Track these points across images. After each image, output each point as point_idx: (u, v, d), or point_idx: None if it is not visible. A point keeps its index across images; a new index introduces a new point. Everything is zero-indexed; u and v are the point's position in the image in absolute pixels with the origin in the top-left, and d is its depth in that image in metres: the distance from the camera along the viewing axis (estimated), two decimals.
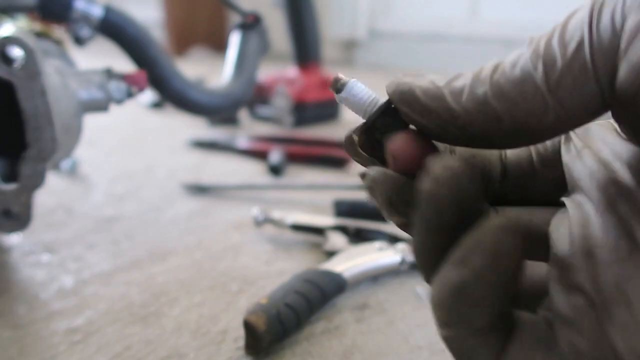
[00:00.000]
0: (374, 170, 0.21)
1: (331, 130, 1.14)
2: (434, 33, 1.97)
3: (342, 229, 0.59)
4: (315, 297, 0.44)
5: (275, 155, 0.87)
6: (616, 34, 0.14)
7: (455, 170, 0.15)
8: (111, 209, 0.71)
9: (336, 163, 0.87)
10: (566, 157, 0.20)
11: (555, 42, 0.16)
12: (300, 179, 0.84)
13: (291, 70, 1.20)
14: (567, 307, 0.16)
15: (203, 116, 0.79)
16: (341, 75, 0.22)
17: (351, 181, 0.79)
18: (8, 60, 0.41)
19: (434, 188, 0.15)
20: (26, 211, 0.44)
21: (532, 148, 0.22)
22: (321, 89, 1.18)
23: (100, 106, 0.57)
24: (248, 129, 1.17)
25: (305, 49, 1.19)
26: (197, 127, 1.16)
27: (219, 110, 0.75)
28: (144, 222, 0.66)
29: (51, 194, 0.75)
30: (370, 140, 0.21)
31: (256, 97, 1.20)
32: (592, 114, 0.16)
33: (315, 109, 1.17)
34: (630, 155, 0.16)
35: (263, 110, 1.21)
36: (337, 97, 0.22)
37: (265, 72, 1.19)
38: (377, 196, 0.21)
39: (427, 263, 0.18)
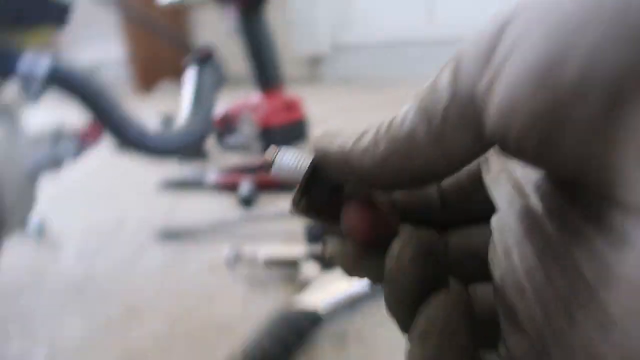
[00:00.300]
0: (332, 245, 0.21)
1: None
2: (394, 40, 2.00)
3: (316, 257, 0.58)
4: (292, 340, 0.43)
5: (245, 186, 0.86)
6: (475, 83, 0.15)
7: (414, 251, 0.17)
8: (82, 269, 0.69)
9: None
10: (486, 178, 0.20)
11: (431, 94, 0.16)
12: (272, 207, 0.83)
13: (254, 96, 1.20)
14: (516, 348, 0.16)
15: (165, 158, 0.79)
16: (270, 153, 0.22)
17: None
18: None
19: (394, 270, 0.17)
20: None
21: (464, 171, 0.22)
22: (286, 111, 1.18)
23: (52, 166, 0.57)
24: (218, 161, 1.16)
25: (266, 73, 1.19)
26: (167, 165, 1.15)
27: (179, 151, 0.74)
28: (116, 279, 0.65)
29: (20, 258, 0.74)
30: (312, 203, 0.21)
31: (222, 127, 1.19)
32: (478, 155, 0.16)
33: (282, 132, 1.17)
34: (538, 178, 0.16)
35: (231, 139, 1.20)
36: (271, 173, 0.22)
37: (229, 101, 1.19)
38: (340, 264, 0.21)
39: (401, 321, 0.19)
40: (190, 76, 0.85)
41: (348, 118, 1.53)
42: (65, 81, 0.68)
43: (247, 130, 1.17)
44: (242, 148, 1.21)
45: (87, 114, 0.70)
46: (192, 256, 0.69)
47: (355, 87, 2.04)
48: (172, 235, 0.76)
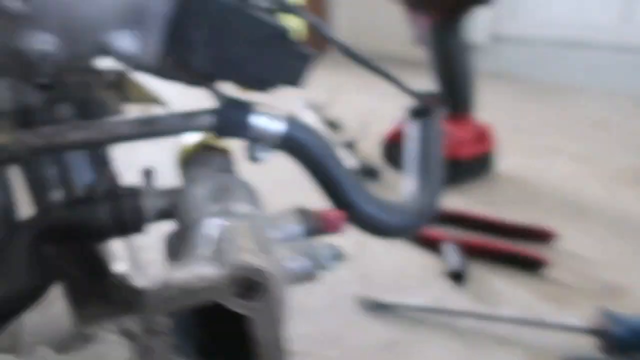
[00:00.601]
0: None
1: (500, 203, 1.01)
2: (572, 39, 1.74)
3: None
4: None
5: (453, 254, 0.76)
6: None
7: None
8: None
9: (529, 265, 0.75)
10: None
11: None
12: (493, 298, 0.73)
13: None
14: None
15: (392, 237, 0.71)
16: None
17: (573, 317, 0.67)
18: (247, 293, 0.33)
19: None
20: None
21: None
22: (476, 142, 1.05)
23: (306, 278, 0.49)
24: (394, 188, 1.07)
25: (457, 95, 1.06)
26: None
27: (410, 231, 0.65)
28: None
29: None
30: None
31: (392, 143, 1.09)
32: None
33: (470, 165, 1.05)
34: None
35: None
36: None
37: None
38: None
39: None
40: (413, 133, 0.74)
41: (520, 138, 1.35)
42: (301, 143, 0.61)
43: None
44: None
45: (315, 182, 0.62)
46: (416, 348, 0.61)
47: (513, 83, 1.83)
48: (380, 307, 0.69)
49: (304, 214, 0.49)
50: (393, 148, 1.12)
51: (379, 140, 1.17)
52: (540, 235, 0.83)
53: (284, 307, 0.34)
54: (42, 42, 0.40)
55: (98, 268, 0.56)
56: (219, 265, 0.32)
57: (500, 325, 0.64)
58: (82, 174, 0.72)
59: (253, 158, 0.66)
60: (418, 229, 0.67)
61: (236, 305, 0.32)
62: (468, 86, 1.06)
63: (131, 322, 0.51)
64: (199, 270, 0.33)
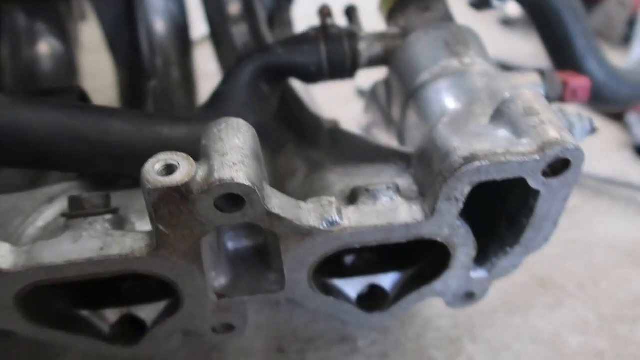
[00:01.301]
0: None
1: None
2: None
3: None
4: None
5: (639, 126, 0.70)
6: None
7: None
8: None
9: None
10: None
11: None
12: None
13: None
14: None
15: (614, 107, 0.63)
16: None
17: None
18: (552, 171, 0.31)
19: None
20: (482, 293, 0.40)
21: None
22: None
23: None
24: None
25: None
26: None
27: (634, 103, 0.58)
28: None
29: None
30: None
31: None
32: None
33: None
34: None
35: None
36: None
37: None
38: None
39: None
40: None
41: None
42: None
43: None
44: None
45: (543, 40, 0.54)
46: None
47: None
48: None
49: (548, 76, 0.44)
50: None
51: None
52: None
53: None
54: None
55: (298, 110, 0.55)
56: (522, 138, 0.30)
57: None
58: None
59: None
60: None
61: (536, 182, 0.31)
62: None
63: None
64: (506, 143, 0.31)
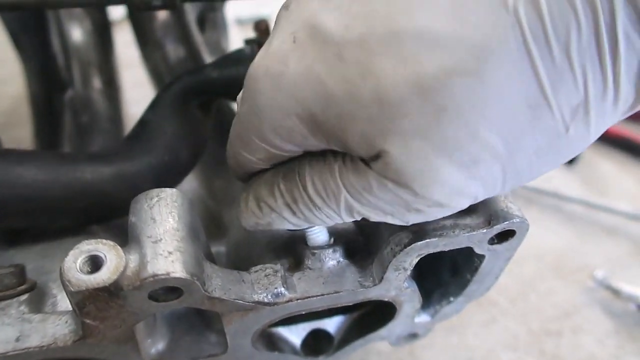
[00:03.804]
0: None
1: None
2: None
3: None
4: None
5: None
6: None
7: None
8: None
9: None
10: None
11: None
12: (602, 184, 0.71)
13: None
14: None
15: None
16: None
17: None
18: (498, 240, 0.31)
19: None
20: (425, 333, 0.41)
21: None
22: None
23: None
24: None
25: None
26: None
27: None
28: None
29: None
30: None
31: None
32: None
33: None
34: None
35: None
36: None
37: None
38: None
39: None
40: None
41: None
42: None
43: None
44: None
45: None
46: None
47: None
48: None
49: None
50: None
51: None
52: None
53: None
54: None
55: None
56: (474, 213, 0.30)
57: (609, 215, 0.65)
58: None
59: None
60: None
61: (482, 249, 0.31)
62: None
63: None
64: (454, 215, 0.30)
